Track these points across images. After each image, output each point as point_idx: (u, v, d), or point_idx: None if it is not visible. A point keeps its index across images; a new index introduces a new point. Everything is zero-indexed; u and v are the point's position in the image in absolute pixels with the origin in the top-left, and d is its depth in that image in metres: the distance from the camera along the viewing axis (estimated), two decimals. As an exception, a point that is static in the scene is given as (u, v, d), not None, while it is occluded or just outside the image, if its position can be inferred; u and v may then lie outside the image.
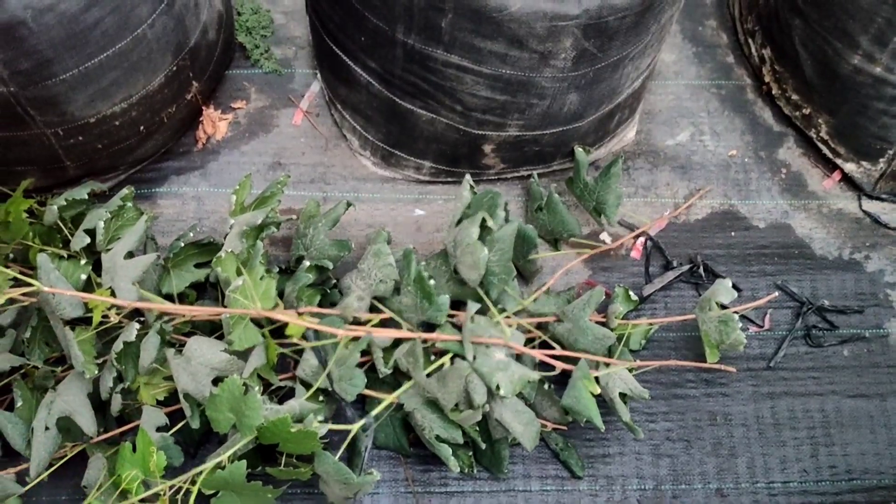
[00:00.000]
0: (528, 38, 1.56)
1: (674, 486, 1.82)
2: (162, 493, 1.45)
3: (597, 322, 1.77)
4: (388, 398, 1.64)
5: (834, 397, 1.92)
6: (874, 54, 1.90)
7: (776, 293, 1.87)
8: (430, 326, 1.71)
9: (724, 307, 1.71)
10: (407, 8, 1.57)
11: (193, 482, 1.45)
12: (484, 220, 1.66)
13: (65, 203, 1.72)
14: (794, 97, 2.15)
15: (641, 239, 2.04)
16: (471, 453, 1.76)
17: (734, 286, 1.96)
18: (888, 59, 1.89)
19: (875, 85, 1.95)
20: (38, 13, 1.46)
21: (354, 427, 1.57)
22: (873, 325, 2.00)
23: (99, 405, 1.65)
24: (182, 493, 1.46)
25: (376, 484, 1.73)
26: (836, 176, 2.17)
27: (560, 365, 1.73)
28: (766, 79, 2.22)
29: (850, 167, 2.13)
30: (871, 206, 2.14)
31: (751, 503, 1.80)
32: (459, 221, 1.72)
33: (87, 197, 1.75)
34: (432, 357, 1.67)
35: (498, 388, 1.58)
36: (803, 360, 1.95)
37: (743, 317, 1.97)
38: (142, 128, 1.88)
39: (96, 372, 1.56)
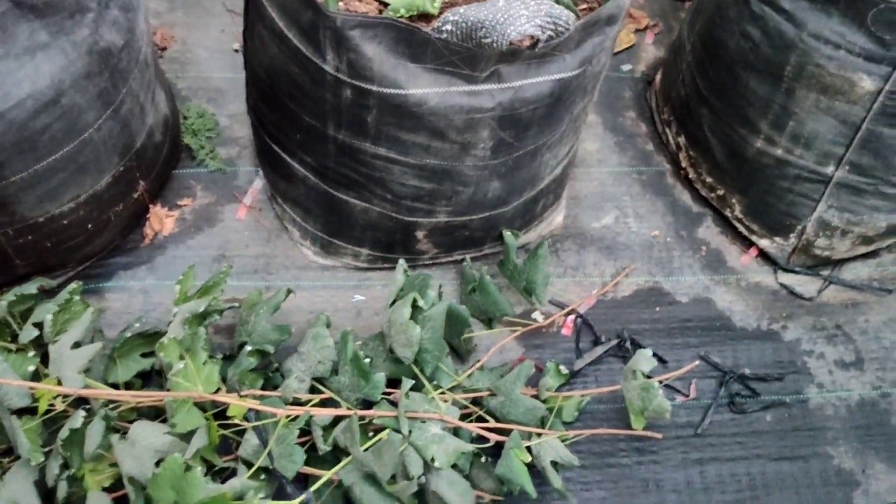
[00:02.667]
0: (447, 129, 1.69)
1: (610, 553, 1.88)
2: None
3: (529, 395, 1.86)
4: (328, 474, 1.70)
5: (759, 461, 2.01)
6: (774, 137, 2.07)
7: (697, 362, 1.97)
8: (368, 404, 1.79)
9: (647, 376, 1.81)
10: (335, 106, 1.70)
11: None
12: (415, 301, 1.76)
13: (14, 298, 1.79)
14: (709, 180, 2.31)
15: (572, 316, 2.15)
16: (411, 528, 1.81)
17: (660, 358, 2.09)
18: (787, 141, 2.05)
19: (778, 166, 2.11)
20: (-11, 120, 1.57)
21: (295, 503, 1.63)
22: (793, 392, 2.11)
23: (46, 494, 1.68)
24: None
25: (320, 563, 1.77)
26: (753, 252, 2.31)
27: (494, 437, 1.81)
28: (683, 164, 2.38)
29: (764, 243, 2.27)
30: (786, 278, 2.28)
31: (684, 566, 1.87)
32: (394, 303, 1.82)
33: (35, 292, 1.83)
34: (371, 434, 1.75)
35: (433, 459, 1.66)
36: (728, 426, 2.05)
37: (669, 387, 2.07)
38: (90, 226, 1.96)
39: (42, 459, 1.60)
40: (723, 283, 2.26)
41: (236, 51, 2.48)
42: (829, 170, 2.05)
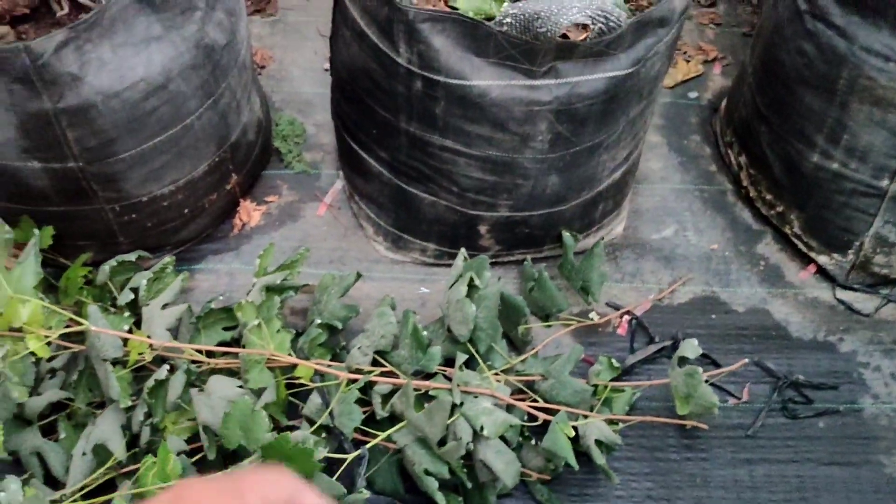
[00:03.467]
0: (508, 121, 1.84)
1: (653, 539, 1.93)
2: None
3: (579, 382, 1.96)
4: (383, 434, 1.82)
5: (809, 464, 2.03)
6: (829, 151, 2.14)
7: (746, 360, 2.01)
8: (425, 378, 1.92)
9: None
10: (407, 98, 1.88)
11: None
12: (472, 280, 1.90)
13: (116, 264, 2.01)
14: (769, 197, 2.39)
15: (627, 317, 2.23)
16: (461, 499, 1.91)
17: (714, 362, 2.15)
18: (842, 155, 2.12)
19: (834, 180, 2.18)
20: (107, 98, 1.79)
21: (350, 456, 1.75)
22: (847, 401, 2.13)
23: (131, 442, 1.86)
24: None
25: (373, 525, 1.88)
26: (812, 268, 2.36)
27: (542, 416, 1.90)
28: (744, 183, 2.47)
29: (822, 259, 2.32)
30: (844, 295, 2.31)
31: (726, 557, 1.90)
32: (453, 285, 1.96)
33: (134, 261, 2.04)
34: (426, 405, 1.87)
35: (482, 428, 1.77)
36: (780, 430, 2.08)
37: (723, 389, 2.13)
38: (186, 210, 2.18)
39: (129, 403, 1.78)
40: (780, 296, 2.31)
41: (326, 70, 2.71)
42: (885, 183, 2.10)
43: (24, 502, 1.51)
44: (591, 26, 1.67)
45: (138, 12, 1.79)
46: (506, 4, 1.84)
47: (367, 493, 1.68)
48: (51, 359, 1.94)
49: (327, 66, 2.72)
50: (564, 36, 1.69)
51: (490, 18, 1.84)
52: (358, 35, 1.89)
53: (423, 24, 1.72)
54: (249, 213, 2.35)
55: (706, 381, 1.87)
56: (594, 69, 1.79)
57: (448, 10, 1.81)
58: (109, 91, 1.79)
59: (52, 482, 1.86)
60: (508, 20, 1.70)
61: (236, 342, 2.03)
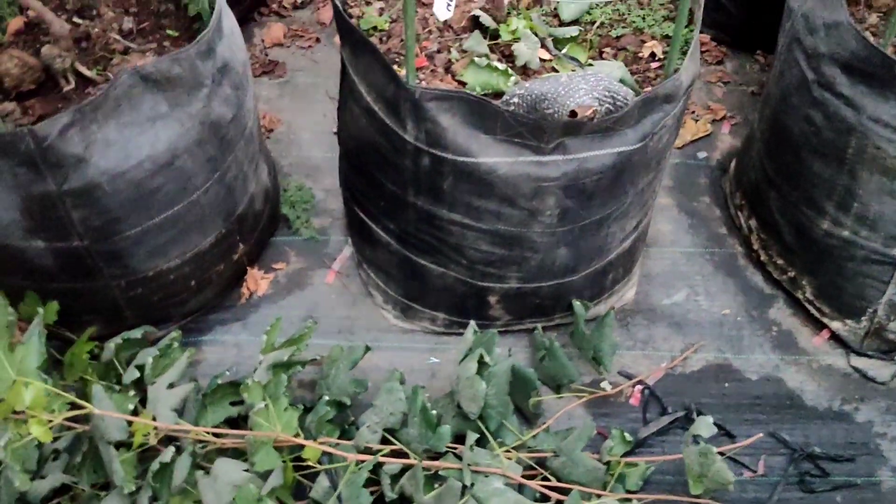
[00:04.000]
0: (516, 197, 1.83)
1: None
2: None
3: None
4: (392, 518, 1.79)
5: (828, 541, 1.99)
6: (840, 219, 2.12)
7: (761, 434, 1.98)
8: (435, 458, 1.88)
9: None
10: (414, 173, 1.87)
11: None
12: (482, 357, 1.87)
13: (121, 342, 1.99)
14: (780, 262, 2.36)
15: (639, 387, 2.20)
16: (472, 581, 1.87)
17: (728, 433, 2.11)
18: (853, 223, 2.10)
19: (846, 247, 2.15)
20: (112, 178, 1.78)
21: (359, 542, 1.72)
22: (865, 473, 2.09)
23: (135, 525, 1.83)
24: None
25: None
26: (825, 334, 2.32)
27: (555, 496, 1.86)
28: (755, 246, 2.44)
29: (836, 325, 2.29)
30: (859, 361, 2.28)
31: None
32: (463, 360, 1.93)
33: (140, 337, 2.02)
34: (436, 485, 1.83)
35: (493, 511, 1.73)
36: (797, 504, 2.04)
37: (737, 461, 2.09)
38: (193, 283, 2.16)
39: (134, 488, 1.75)
40: (794, 363, 2.28)
41: (335, 133, 2.70)
42: (897, 251, 2.08)
43: None
44: (599, 107, 1.66)
45: (144, 91, 1.79)
46: (512, 80, 1.83)
47: (376, 584, 1.65)
48: (54, 439, 1.91)
49: (336, 129, 2.72)
50: (572, 114, 1.67)
51: (498, 93, 1.83)
52: (365, 110, 1.89)
53: (430, 103, 1.71)
54: (257, 281, 2.33)
55: (720, 454, 1.83)
56: (602, 145, 1.78)
57: (455, 88, 1.80)
58: (115, 171, 1.79)
59: (56, 567, 1.83)
60: (515, 100, 1.69)
61: (244, 418, 2.00)
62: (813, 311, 2.32)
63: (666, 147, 1.96)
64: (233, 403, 2.00)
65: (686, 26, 1.69)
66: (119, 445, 1.79)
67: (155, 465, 1.77)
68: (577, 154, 1.78)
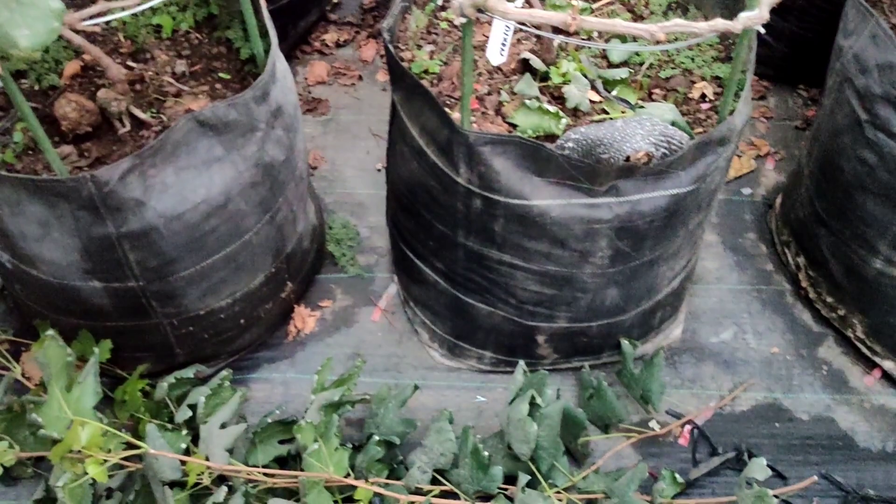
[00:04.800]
0: (567, 238, 1.83)
1: None
2: None
3: (643, 501, 1.90)
4: (445, 562, 1.79)
5: (884, 586, 1.96)
6: (893, 259, 2.10)
7: (815, 478, 1.95)
8: (486, 498, 1.88)
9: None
10: (465, 215, 1.88)
11: None
12: (533, 398, 1.87)
13: (174, 381, 2.01)
14: (830, 300, 2.34)
15: (688, 427, 2.18)
16: None
17: (779, 474, 2.09)
18: (906, 262, 2.09)
19: (899, 286, 2.13)
20: (169, 221, 1.81)
21: (412, 586, 1.72)
22: (921, 516, 2.06)
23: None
24: None
25: None
26: (877, 373, 2.30)
27: (607, 539, 1.85)
28: (803, 284, 2.42)
29: (888, 365, 2.26)
30: (912, 401, 2.25)
31: None
32: (513, 401, 1.93)
33: (192, 377, 2.04)
34: (488, 527, 1.83)
35: (546, 555, 1.72)
36: (852, 547, 2.01)
37: (790, 504, 2.07)
38: (242, 321, 2.18)
39: (187, 528, 1.77)
40: (845, 402, 2.25)
41: (378, 170, 2.73)
42: (951, 291, 2.06)
43: None
44: (655, 152, 1.66)
45: (201, 135, 1.82)
46: (563, 122, 1.84)
47: None
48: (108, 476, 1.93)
49: (379, 165, 2.75)
50: (627, 159, 1.68)
51: (549, 135, 1.84)
52: (416, 152, 1.90)
53: (483, 147, 1.72)
54: (304, 319, 2.35)
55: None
56: (655, 187, 1.78)
57: (508, 132, 1.81)
58: (171, 214, 1.81)
59: None
60: (570, 144, 1.70)
61: (293, 457, 2.01)
62: (864, 349, 2.29)
63: (717, 188, 1.95)
64: (281, 441, 2.02)
65: (739, 68, 1.70)
66: (172, 485, 1.81)
67: (208, 505, 1.78)
68: (629, 196, 1.78)
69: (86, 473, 1.73)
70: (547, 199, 1.78)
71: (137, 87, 2.07)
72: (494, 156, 1.74)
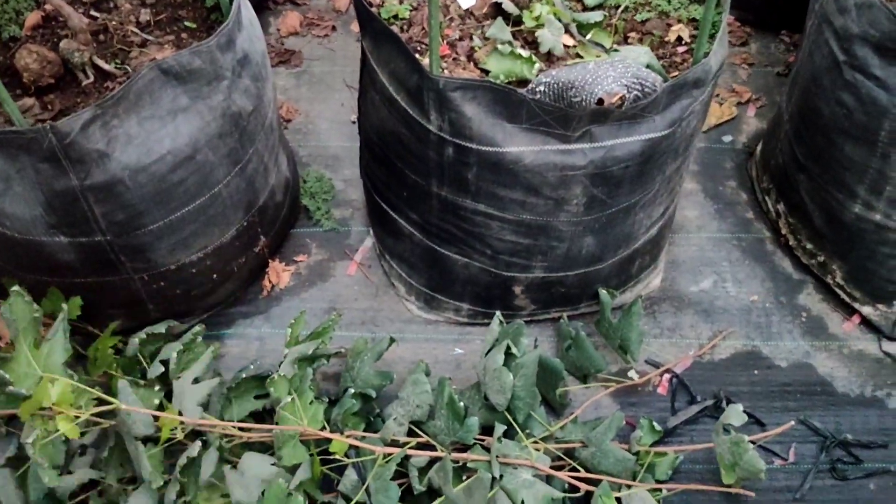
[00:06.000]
0: (542, 186, 1.80)
1: None
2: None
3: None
4: (421, 512, 1.78)
5: (861, 529, 1.96)
6: (872, 202, 2.08)
7: (793, 423, 1.95)
8: (462, 449, 1.87)
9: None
10: (438, 164, 1.84)
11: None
12: (509, 348, 1.85)
13: (145, 337, 1.98)
14: (809, 246, 2.32)
15: (667, 376, 2.17)
16: (502, 574, 1.85)
17: (758, 421, 2.09)
18: (885, 206, 2.06)
19: (877, 231, 2.11)
20: (134, 172, 1.77)
21: (388, 537, 1.71)
22: (899, 460, 2.06)
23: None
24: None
25: None
26: (856, 319, 2.29)
27: (584, 486, 1.84)
28: (783, 231, 2.40)
29: (867, 310, 2.25)
30: (891, 347, 2.24)
31: None
32: (489, 352, 1.91)
33: (164, 332, 2.01)
34: (464, 477, 1.81)
35: (523, 503, 1.71)
36: (829, 492, 2.01)
37: (768, 450, 2.06)
38: (215, 276, 2.15)
39: (161, 483, 1.74)
40: (824, 349, 2.24)
41: (353, 122, 2.68)
42: (931, 235, 2.04)
43: None
44: (627, 94, 1.62)
45: (164, 84, 1.77)
46: (536, 67, 1.80)
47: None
48: (81, 435, 1.91)
49: (354, 118, 2.70)
50: (599, 102, 1.64)
51: (522, 81, 1.80)
52: (387, 100, 1.86)
53: (454, 93, 1.68)
54: (279, 274, 2.32)
55: (752, 446, 1.80)
56: (630, 132, 1.75)
57: (479, 77, 1.77)
58: (137, 165, 1.77)
59: (85, 564, 1.83)
60: (542, 88, 1.66)
61: (268, 412, 1.99)
62: (843, 296, 2.28)
63: (694, 133, 1.92)
64: (257, 397, 2.00)
65: (714, 9, 1.65)
66: (146, 440, 1.78)
67: (182, 460, 1.76)
68: (604, 142, 1.75)
69: (57, 430, 1.71)
70: (520, 146, 1.74)
71: (101, 37, 2.01)
72: (465, 102, 1.70)
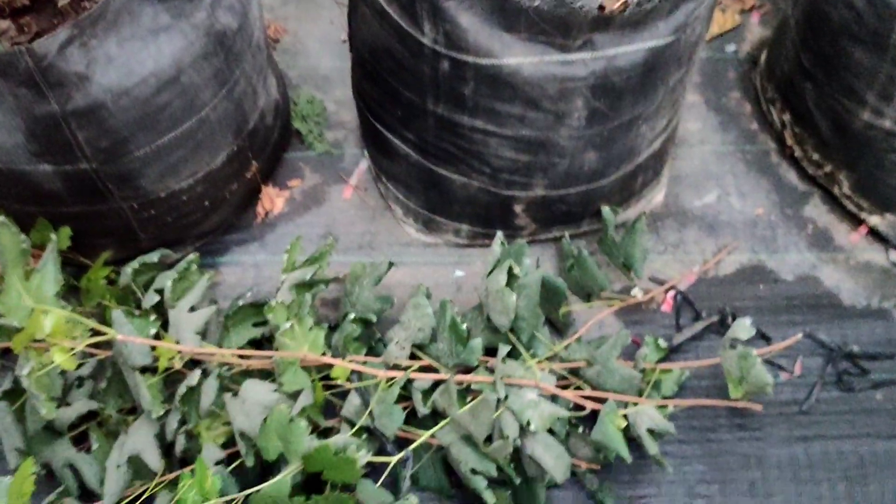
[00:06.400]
0: (541, 99, 1.73)
1: (709, 525, 1.87)
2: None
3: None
4: (426, 434, 1.76)
5: (868, 439, 1.95)
6: (881, 109, 2.02)
7: (800, 336, 1.92)
8: (465, 371, 1.84)
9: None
10: (433, 79, 1.77)
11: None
12: (511, 268, 1.81)
13: (138, 266, 1.94)
14: (815, 156, 2.27)
15: (671, 293, 2.14)
16: (508, 493, 1.84)
17: (763, 335, 2.06)
18: (895, 112, 2.00)
19: (887, 139, 2.05)
20: (116, 96, 1.70)
21: (393, 459, 1.69)
22: (906, 370, 2.05)
23: (165, 451, 1.80)
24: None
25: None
26: (863, 230, 2.25)
27: (590, 405, 1.83)
28: (789, 142, 2.34)
29: (874, 220, 2.21)
30: (898, 257, 2.21)
31: (787, 541, 1.84)
32: (490, 273, 1.87)
33: (157, 261, 1.96)
34: (469, 399, 1.79)
35: (529, 423, 1.69)
36: (836, 404, 2.00)
37: (774, 364, 2.04)
38: (207, 203, 2.09)
39: (162, 412, 1.72)
40: (830, 261, 2.21)
41: (343, 41, 2.59)
42: (941, 141, 1.98)
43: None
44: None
45: (144, 2, 1.69)
46: (535, -27, 1.71)
47: (415, 499, 1.62)
48: (77, 366, 1.88)
49: (345, 36, 2.59)
50: (601, 8, 1.57)
51: (520, -10, 1.71)
52: (378, 13, 1.78)
53: (447, 3, 1.60)
54: (272, 199, 2.26)
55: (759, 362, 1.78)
56: (632, 40, 1.67)
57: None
58: (119, 88, 1.70)
59: (87, 494, 1.82)
60: (541, -6, 1.58)
61: (267, 339, 1.96)
62: (850, 206, 2.24)
63: (698, 41, 1.84)
64: (255, 325, 1.96)
65: None
66: (144, 370, 1.76)
67: (182, 389, 1.73)
68: (605, 51, 1.68)
69: (52, 362, 1.68)
70: (518, 57, 1.67)
71: (76, -46, 1.92)
72: (460, 11, 1.62)
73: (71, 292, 1.97)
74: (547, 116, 1.78)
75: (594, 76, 1.70)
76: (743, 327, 1.80)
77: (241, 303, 1.93)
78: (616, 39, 1.67)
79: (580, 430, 1.85)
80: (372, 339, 1.96)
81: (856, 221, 2.26)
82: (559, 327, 2.05)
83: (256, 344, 1.98)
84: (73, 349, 1.68)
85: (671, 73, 1.83)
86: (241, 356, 1.83)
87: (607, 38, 1.66)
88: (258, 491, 1.61)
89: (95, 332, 1.72)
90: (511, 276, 1.81)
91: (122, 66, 1.69)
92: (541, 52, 1.67)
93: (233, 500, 1.65)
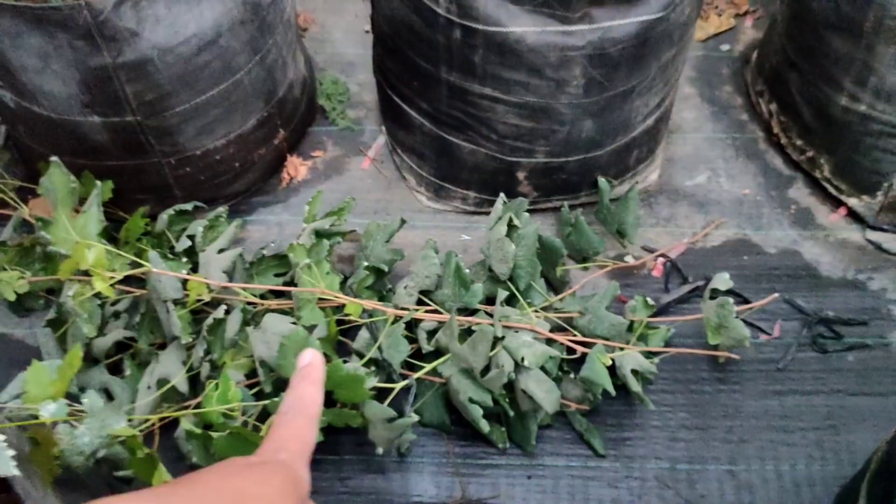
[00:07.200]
0: (543, 67, 1.92)
1: (689, 465, 2.01)
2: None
3: (615, 319, 2.04)
4: (429, 366, 1.93)
5: (838, 395, 2.10)
6: (857, 94, 2.19)
7: (777, 295, 2.08)
8: (467, 315, 2.01)
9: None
10: (447, 48, 1.97)
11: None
12: (511, 220, 1.99)
13: (173, 213, 2.13)
14: (799, 143, 2.44)
15: (661, 260, 2.31)
16: (503, 429, 2.00)
17: (746, 300, 2.22)
18: (870, 97, 2.17)
19: (862, 122, 2.23)
20: (163, 53, 1.90)
21: (398, 386, 1.86)
22: (877, 335, 2.19)
23: (192, 382, 1.97)
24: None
25: (422, 455, 1.99)
26: (842, 211, 2.42)
27: (580, 349, 1.99)
28: (775, 130, 2.52)
29: (852, 202, 2.38)
30: (874, 235, 2.37)
31: (759, 481, 1.98)
32: (493, 227, 2.05)
33: (191, 210, 2.16)
34: (468, 337, 1.96)
35: (523, 359, 1.86)
36: (810, 364, 2.15)
37: (755, 326, 2.20)
38: (237, 164, 2.29)
39: (191, 339, 1.90)
40: (811, 237, 2.37)
41: (367, 32, 2.81)
42: (913, 123, 2.16)
43: (104, 410, 1.61)
44: (623, -31, 1.74)
45: (189, -31, 1.90)
46: (539, -46, 1.91)
47: (416, 417, 1.79)
48: (114, 302, 2.07)
49: (368, 27, 2.81)
50: (597, -19, 1.77)
51: (525, -32, 1.91)
52: (398, -13, 1.98)
53: (461, -27, 1.80)
54: (296, 167, 2.46)
55: (738, 318, 1.94)
56: (626, 14, 1.87)
57: (485, -41, 1.88)
58: (165, 46, 1.90)
59: (120, 416, 1.99)
60: (543, -34, 1.77)
61: (288, 286, 2.14)
62: (830, 189, 2.41)
63: (688, 22, 2.03)
64: (277, 275, 2.15)
65: None
66: (175, 304, 1.93)
67: (209, 321, 1.91)
68: (601, 23, 1.87)
69: (93, 290, 1.87)
70: (523, 27, 1.87)
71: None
72: (472, -18, 1.82)
73: (110, 242, 2.15)
74: (549, 83, 1.97)
75: (591, 46, 1.89)
76: (722, 280, 1.97)
77: (264, 252, 2.12)
78: (611, 13, 1.86)
79: (571, 374, 2.01)
80: (383, 289, 2.13)
81: (836, 203, 2.42)
82: (556, 286, 2.22)
83: (278, 294, 2.16)
84: (112, 278, 1.87)
85: (663, 50, 2.02)
86: (262, 297, 2.01)
87: (603, 11, 1.86)
88: (273, 401, 1.78)
89: (133, 265, 1.91)
90: (511, 227, 1.98)
91: (168, 26, 1.89)
92: (543, 23, 1.86)
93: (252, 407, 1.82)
